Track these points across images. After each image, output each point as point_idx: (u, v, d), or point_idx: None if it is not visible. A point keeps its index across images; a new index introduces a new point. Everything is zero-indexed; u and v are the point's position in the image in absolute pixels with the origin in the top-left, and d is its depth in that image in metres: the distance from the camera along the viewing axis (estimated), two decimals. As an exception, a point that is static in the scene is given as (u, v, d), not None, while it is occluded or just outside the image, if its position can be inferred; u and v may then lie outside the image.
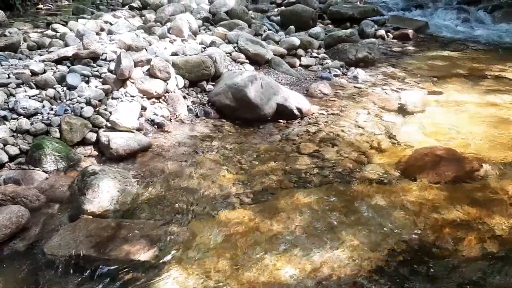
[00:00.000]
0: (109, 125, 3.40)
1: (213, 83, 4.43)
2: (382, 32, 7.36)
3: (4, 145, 3.08)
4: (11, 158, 3.05)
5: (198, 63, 4.31)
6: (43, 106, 3.41)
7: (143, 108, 3.77)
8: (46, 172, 3.00)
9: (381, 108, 4.28)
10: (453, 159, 3.23)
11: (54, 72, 3.81)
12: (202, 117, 4.01)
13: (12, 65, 4.03)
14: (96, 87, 3.70)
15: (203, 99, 4.25)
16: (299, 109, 4.06)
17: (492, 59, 6.16)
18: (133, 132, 3.38)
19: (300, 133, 3.78)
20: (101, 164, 3.10)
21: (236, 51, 5.10)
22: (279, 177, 3.07)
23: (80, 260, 2.24)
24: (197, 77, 4.33)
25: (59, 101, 3.51)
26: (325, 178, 3.06)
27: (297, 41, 5.69)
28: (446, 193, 2.84)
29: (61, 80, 3.68)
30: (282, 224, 2.54)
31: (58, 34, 5.27)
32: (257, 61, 5.11)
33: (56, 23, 5.94)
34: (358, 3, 9.02)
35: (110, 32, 5.34)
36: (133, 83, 3.89)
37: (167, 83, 4.04)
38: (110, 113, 3.50)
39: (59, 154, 3.09)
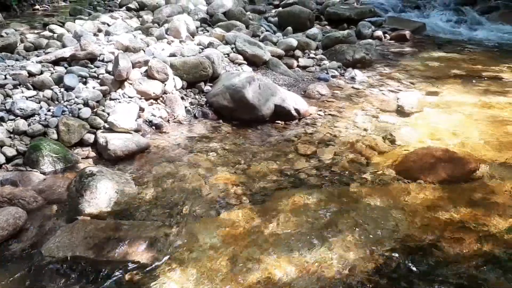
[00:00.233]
0: (107, 126, 3.40)
1: (211, 84, 4.43)
2: (379, 33, 7.37)
3: (1, 147, 3.07)
4: (8, 159, 3.04)
5: (196, 64, 4.31)
6: (41, 107, 3.40)
7: (141, 109, 3.77)
8: (43, 173, 3.00)
9: (379, 109, 4.29)
10: (450, 159, 3.23)
11: (52, 73, 3.80)
12: (200, 118, 4.01)
13: (8, 66, 4.01)
14: (93, 88, 3.70)
15: (201, 100, 4.25)
16: (296, 110, 4.07)
17: (489, 60, 6.18)
18: (131, 133, 3.38)
19: (298, 134, 3.78)
20: (99, 165, 3.09)
21: (234, 52, 5.10)
22: (277, 178, 3.07)
23: (78, 261, 2.23)
24: (195, 78, 4.32)
25: (56, 102, 3.51)
26: (323, 179, 3.06)
27: (294, 42, 5.70)
28: (444, 194, 2.85)
29: (59, 81, 3.68)
30: (280, 225, 2.54)
31: (55, 35, 5.27)
32: (255, 62, 5.11)
33: (53, 24, 5.93)
34: (355, 4, 9.02)
35: (107, 33, 5.33)
36: (131, 84, 3.88)
37: (165, 84, 4.03)
38: (108, 114, 3.49)
39: (56, 155, 3.08)
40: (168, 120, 3.87)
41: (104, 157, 3.24)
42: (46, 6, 9.03)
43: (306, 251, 2.32)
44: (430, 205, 2.73)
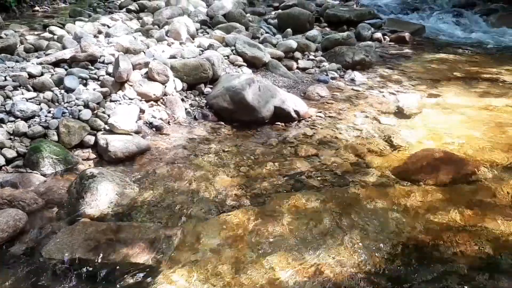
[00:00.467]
0: (107, 128, 3.39)
1: (211, 86, 4.43)
2: (378, 35, 7.38)
3: (1, 148, 3.05)
4: (8, 161, 3.03)
5: (196, 66, 4.31)
6: (41, 109, 3.40)
7: (142, 111, 3.76)
8: (43, 175, 2.99)
9: (379, 111, 4.29)
10: (450, 161, 3.24)
11: (52, 75, 3.79)
12: (200, 120, 4.01)
13: (8, 67, 4.00)
14: (94, 89, 3.69)
15: (201, 102, 4.25)
16: (296, 112, 4.07)
17: (488, 62, 6.19)
18: (131, 135, 3.38)
19: (297, 136, 3.79)
20: (100, 167, 3.08)
21: (233, 54, 5.11)
22: (277, 180, 3.07)
23: (78, 263, 2.23)
24: (195, 80, 4.33)
25: (56, 104, 3.50)
26: (323, 181, 3.06)
27: (294, 44, 5.71)
28: (444, 196, 2.85)
29: (59, 82, 3.68)
30: (280, 226, 2.54)
31: (55, 37, 5.27)
32: (255, 64, 5.12)
33: (53, 25, 5.93)
34: (355, 6, 9.04)
35: (107, 35, 5.33)
36: (131, 86, 3.88)
37: (165, 86, 4.03)
38: (109, 116, 3.49)
39: (57, 157, 3.08)
40: (169, 122, 3.87)
41: (105, 158, 3.23)
42: (46, 7, 9.02)
43: (307, 253, 2.32)
44: (430, 207, 2.73)
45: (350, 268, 2.22)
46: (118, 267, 2.21)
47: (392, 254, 2.33)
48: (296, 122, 4.06)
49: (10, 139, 3.15)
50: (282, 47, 5.65)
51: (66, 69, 3.93)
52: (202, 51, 4.94)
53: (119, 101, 3.72)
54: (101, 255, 2.27)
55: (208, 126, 3.92)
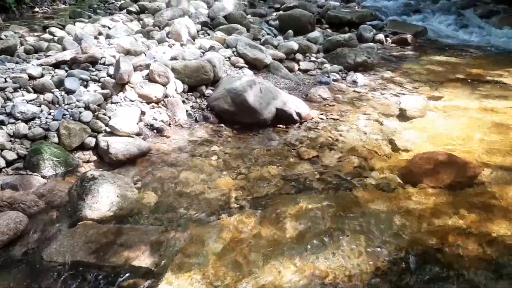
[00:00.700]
0: (108, 130, 3.38)
1: (212, 88, 4.42)
2: (380, 36, 7.37)
3: (1, 150, 3.05)
4: (9, 163, 3.02)
5: (197, 67, 4.30)
6: (41, 111, 3.38)
7: (142, 113, 3.75)
8: (44, 177, 2.98)
9: (381, 113, 4.28)
10: (453, 164, 3.22)
11: (52, 76, 3.78)
12: (201, 122, 4.00)
13: (9, 69, 3.99)
14: (95, 91, 3.68)
15: (202, 103, 4.23)
16: (298, 114, 4.05)
17: (490, 64, 6.18)
18: (132, 137, 3.36)
19: (299, 138, 3.77)
20: (101, 169, 3.08)
21: (235, 55, 5.10)
22: (279, 182, 3.06)
23: (79, 266, 2.22)
24: (196, 81, 4.31)
25: (57, 106, 3.49)
26: (325, 183, 3.05)
27: (295, 46, 5.69)
28: (447, 199, 2.84)
29: (59, 84, 3.66)
30: (282, 229, 2.53)
31: (55, 38, 5.25)
32: (256, 66, 5.10)
33: (53, 26, 5.92)
34: (356, 7, 9.04)
35: (108, 36, 5.33)
36: (132, 87, 3.87)
37: (166, 88, 4.02)
38: (109, 117, 3.47)
39: (57, 159, 3.06)
40: (170, 124, 3.86)
41: (106, 161, 3.22)
42: (46, 8, 9.02)
43: (309, 256, 2.30)
44: (433, 210, 2.71)
45: (353, 272, 2.20)
46: (119, 270, 2.20)
47: (395, 258, 2.31)
48: (298, 124, 4.04)
49: (10, 141, 3.14)
50: (284, 49, 5.63)
51: (66, 71, 3.92)
52: (203, 52, 4.93)
53: (120, 103, 3.71)
54: (102, 258, 2.26)
55: (209, 128, 3.90)
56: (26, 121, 3.27)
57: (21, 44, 4.96)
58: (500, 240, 2.44)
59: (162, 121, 3.81)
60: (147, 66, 4.05)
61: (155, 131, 3.71)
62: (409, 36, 7.40)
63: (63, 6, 9.63)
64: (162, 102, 3.99)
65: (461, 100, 4.68)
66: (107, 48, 4.61)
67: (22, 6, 8.46)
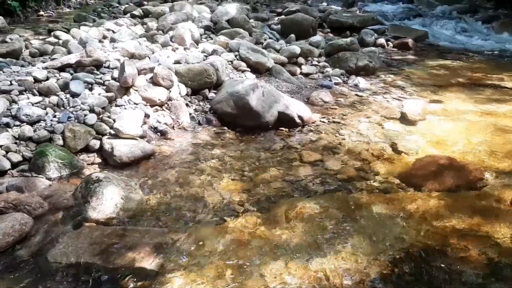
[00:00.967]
0: (112, 132, 3.41)
1: (215, 91, 4.45)
2: (382, 40, 7.41)
3: (7, 152, 3.07)
4: (14, 165, 3.04)
5: (200, 71, 4.33)
6: (46, 113, 3.41)
7: (146, 116, 3.78)
8: (49, 179, 3.00)
9: (382, 117, 4.30)
10: (454, 168, 3.25)
11: (57, 79, 3.81)
12: (204, 125, 4.03)
13: (14, 72, 4.03)
14: (99, 94, 3.71)
15: (205, 107, 4.26)
16: (300, 117, 4.08)
17: (491, 69, 6.21)
18: (136, 139, 3.39)
19: (301, 141, 3.79)
20: (105, 172, 3.10)
21: (237, 59, 5.13)
22: (281, 185, 3.08)
23: (84, 268, 2.23)
24: (199, 85, 4.35)
25: (62, 108, 3.52)
26: (327, 187, 3.07)
27: (297, 50, 5.73)
28: (448, 202, 2.85)
29: (64, 87, 3.69)
30: (285, 232, 2.54)
31: (60, 41, 5.29)
32: (258, 69, 5.14)
33: (58, 30, 5.96)
34: (358, 12, 9.08)
35: (112, 40, 5.37)
36: (136, 90, 3.91)
37: (170, 91, 4.05)
38: (114, 120, 3.51)
39: (62, 161, 3.09)
40: (173, 127, 3.89)
41: (110, 163, 3.24)
42: (50, 12, 9.08)
43: (312, 259, 2.32)
44: (434, 214, 2.73)
45: (355, 275, 2.22)
46: (123, 272, 2.21)
47: (397, 261, 2.32)
48: (300, 127, 4.07)
49: (15, 143, 3.17)
50: (286, 53, 5.66)
51: (71, 74, 3.95)
52: (206, 56, 4.97)
53: (124, 105, 3.74)
54: (107, 259, 2.27)
55: (212, 131, 3.93)
56: (31, 123, 3.30)
57: (26, 47, 4.99)
58: (502, 243, 2.45)
59: (165, 124, 3.84)
60: (151, 70, 4.09)
61: (158, 133, 3.74)
62: (410, 41, 7.44)
63: (67, 10, 9.69)
64: (166, 105, 4.02)
65: (462, 104, 4.71)
66: (112, 51, 4.65)
67: (27, 10, 8.52)
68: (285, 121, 4.06)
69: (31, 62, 4.48)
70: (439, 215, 2.71)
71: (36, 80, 3.75)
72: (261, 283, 2.15)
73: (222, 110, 4.09)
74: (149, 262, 2.27)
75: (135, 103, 3.81)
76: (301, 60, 5.77)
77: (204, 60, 4.76)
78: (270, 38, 6.64)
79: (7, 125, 3.25)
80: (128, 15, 7.65)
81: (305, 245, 2.44)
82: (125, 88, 3.83)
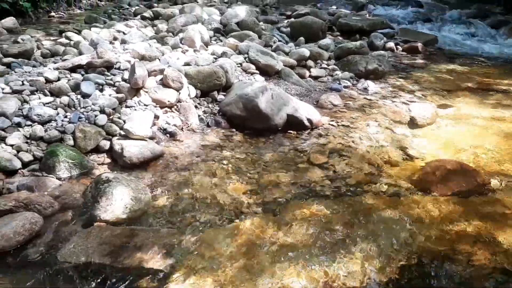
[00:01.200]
0: (122, 133, 3.43)
1: (224, 93, 4.46)
2: (391, 44, 7.39)
3: (18, 152, 3.10)
4: (25, 164, 3.07)
5: (210, 73, 4.35)
6: (57, 114, 3.44)
7: (156, 117, 3.80)
8: (59, 179, 3.02)
9: (392, 121, 4.29)
10: (463, 172, 3.23)
11: (69, 80, 3.84)
12: (213, 127, 4.04)
13: (26, 72, 4.06)
14: (110, 95, 3.74)
15: (214, 109, 4.28)
16: (309, 120, 4.08)
17: (500, 74, 6.17)
18: (146, 140, 3.41)
19: (310, 144, 3.79)
20: (115, 172, 3.12)
21: (246, 61, 5.14)
22: (289, 188, 3.08)
23: (94, 267, 2.25)
24: (209, 87, 4.36)
25: (73, 109, 3.55)
26: (336, 190, 3.07)
27: (307, 52, 5.72)
28: (458, 207, 2.85)
29: (75, 88, 3.72)
30: (293, 235, 2.55)
31: (71, 42, 5.34)
32: (267, 72, 5.14)
33: (69, 31, 6.01)
34: (367, 15, 9.06)
35: (123, 42, 5.40)
36: (146, 92, 3.93)
37: (180, 93, 4.07)
38: (124, 121, 3.52)
39: (72, 161, 3.11)
40: (182, 128, 3.90)
41: (119, 163, 3.26)
42: (62, 13, 9.15)
43: (320, 263, 2.32)
44: (443, 218, 2.72)
45: (363, 279, 2.22)
46: (132, 272, 2.23)
47: (405, 265, 2.32)
48: (308, 130, 4.06)
49: (26, 142, 3.19)
50: (295, 56, 5.67)
51: (82, 75, 3.98)
52: (216, 58, 4.98)
53: (134, 107, 3.76)
54: (116, 259, 2.29)
55: (221, 133, 3.94)
56: (43, 123, 3.33)
57: (38, 48, 5.03)
58: (511, 248, 2.44)
59: (175, 125, 3.86)
60: (161, 71, 4.11)
61: (168, 135, 3.76)
62: (419, 45, 7.41)
63: (78, 11, 9.76)
64: (175, 106, 4.04)
65: (471, 108, 4.69)
66: (122, 53, 4.68)
67: (38, 11, 8.60)
68: (294, 124, 4.06)
69: (43, 63, 4.52)
70: (448, 220, 2.70)
71: (48, 81, 3.78)
72: (269, 286, 2.16)
73: (231, 112, 4.10)
74: (158, 263, 2.29)
75: (145, 105, 3.83)
76: (310, 63, 5.77)
77: (213, 62, 4.78)
78: (279, 40, 6.65)
79: (19, 125, 3.28)
80: (139, 17, 7.69)
81: (314, 248, 2.44)
82: (135, 90, 3.86)
